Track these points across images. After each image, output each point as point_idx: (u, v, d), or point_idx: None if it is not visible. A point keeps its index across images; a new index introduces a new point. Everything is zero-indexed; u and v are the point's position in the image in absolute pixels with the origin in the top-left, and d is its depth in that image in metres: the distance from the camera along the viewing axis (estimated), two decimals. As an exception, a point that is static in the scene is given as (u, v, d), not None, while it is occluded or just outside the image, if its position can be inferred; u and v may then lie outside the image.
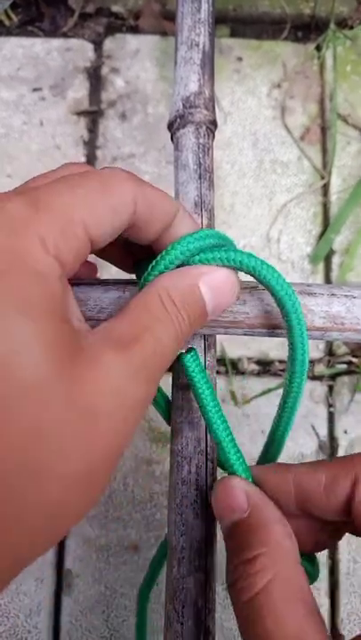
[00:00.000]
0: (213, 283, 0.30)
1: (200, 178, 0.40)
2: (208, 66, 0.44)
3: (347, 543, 0.71)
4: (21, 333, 0.22)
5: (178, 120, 0.43)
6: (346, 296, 0.35)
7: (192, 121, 0.42)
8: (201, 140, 0.42)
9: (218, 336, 0.37)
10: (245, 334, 0.35)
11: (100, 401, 0.23)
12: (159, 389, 0.38)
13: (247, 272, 0.31)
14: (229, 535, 0.30)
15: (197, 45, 0.44)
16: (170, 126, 0.44)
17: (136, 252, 0.34)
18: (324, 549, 0.34)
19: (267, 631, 0.25)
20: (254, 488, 0.31)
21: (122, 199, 0.27)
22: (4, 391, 0.21)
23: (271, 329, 0.34)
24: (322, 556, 0.71)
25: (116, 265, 0.36)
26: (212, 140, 0.43)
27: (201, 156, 0.41)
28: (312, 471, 0.31)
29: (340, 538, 0.34)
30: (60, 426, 0.22)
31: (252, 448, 0.73)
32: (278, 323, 0.34)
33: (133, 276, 0.36)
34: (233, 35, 0.86)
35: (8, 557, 0.22)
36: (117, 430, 0.24)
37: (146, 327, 0.26)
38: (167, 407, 0.39)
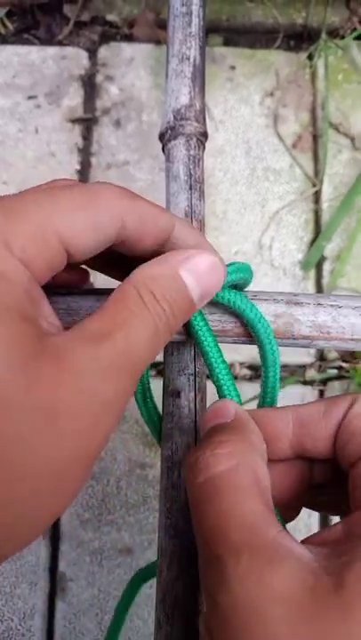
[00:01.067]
0: (196, 268, 0.28)
1: (191, 188, 0.41)
2: (199, 79, 0.45)
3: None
4: None
5: (169, 132, 0.43)
6: (332, 306, 0.35)
7: (183, 133, 0.43)
8: (192, 152, 0.42)
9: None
10: (235, 342, 0.36)
11: (62, 401, 0.22)
12: (154, 407, 0.39)
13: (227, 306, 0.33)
14: (205, 435, 0.29)
15: (188, 59, 0.45)
16: (161, 137, 0.44)
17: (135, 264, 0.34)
18: (299, 510, 0.33)
19: (221, 512, 0.24)
20: (244, 410, 0.30)
21: (107, 215, 0.27)
22: None
23: (259, 337, 0.35)
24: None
25: (111, 276, 0.36)
26: (203, 152, 0.44)
27: (191, 167, 0.42)
28: (314, 404, 0.31)
29: (320, 506, 0.34)
30: (21, 426, 0.21)
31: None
32: (265, 331, 0.35)
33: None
34: (226, 44, 0.87)
35: None
36: (85, 430, 0.23)
37: (120, 322, 0.25)
38: (160, 425, 0.40)
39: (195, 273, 0.28)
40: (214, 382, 0.34)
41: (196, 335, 0.34)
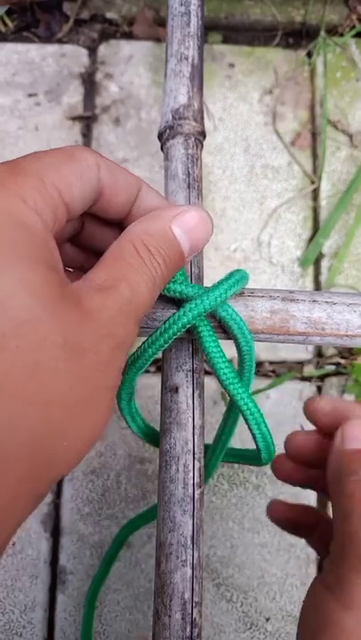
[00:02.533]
0: (186, 224, 0.31)
1: (189, 187, 0.42)
2: (197, 78, 0.46)
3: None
4: (10, 279, 0.23)
5: (167, 131, 0.44)
6: (327, 302, 0.36)
7: (181, 132, 0.43)
8: (190, 151, 0.43)
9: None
10: (230, 338, 0.37)
11: (87, 339, 0.25)
12: (144, 421, 0.40)
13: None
14: (352, 456, 0.36)
15: (187, 59, 0.46)
16: (160, 137, 0.45)
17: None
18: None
19: None
20: None
21: (86, 164, 0.29)
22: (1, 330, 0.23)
23: (255, 334, 0.36)
24: (311, 553, 0.72)
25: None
26: (201, 151, 0.44)
27: (190, 166, 0.43)
28: None
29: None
30: (54, 362, 0.24)
31: (241, 447, 0.74)
32: (262, 328, 0.36)
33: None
34: (225, 41, 0.88)
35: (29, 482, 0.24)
36: (104, 365, 0.26)
37: (122, 276, 0.28)
38: (153, 436, 0.41)
39: (185, 228, 0.31)
40: (220, 378, 0.35)
41: (198, 333, 0.35)
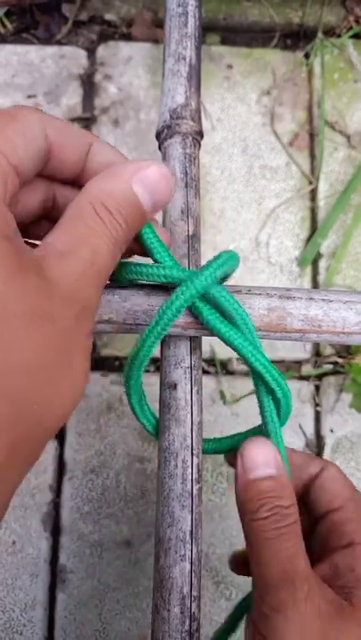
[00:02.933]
0: (147, 180, 0.30)
1: (186, 186, 0.42)
2: (195, 78, 0.46)
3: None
4: None
5: (165, 130, 0.44)
6: (323, 300, 0.36)
7: (179, 132, 0.44)
8: (187, 150, 0.43)
9: (208, 338, 0.38)
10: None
11: (50, 306, 0.25)
12: (148, 409, 0.40)
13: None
14: (261, 485, 0.35)
15: (184, 59, 0.46)
16: (158, 136, 0.45)
17: None
18: None
19: (294, 546, 0.34)
20: (280, 456, 0.37)
21: (30, 124, 0.29)
22: None
23: (253, 331, 0.36)
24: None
25: None
26: (198, 150, 0.45)
27: (187, 165, 0.43)
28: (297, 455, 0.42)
29: None
30: (14, 332, 0.24)
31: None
32: (259, 325, 0.36)
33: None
34: (223, 42, 0.88)
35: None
36: (70, 329, 0.27)
37: (82, 240, 0.28)
38: (156, 424, 0.41)
39: (146, 185, 0.30)
40: (230, 343, 0.35)
41: (196, 310, 0.35)
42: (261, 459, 0.36)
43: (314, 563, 0.36)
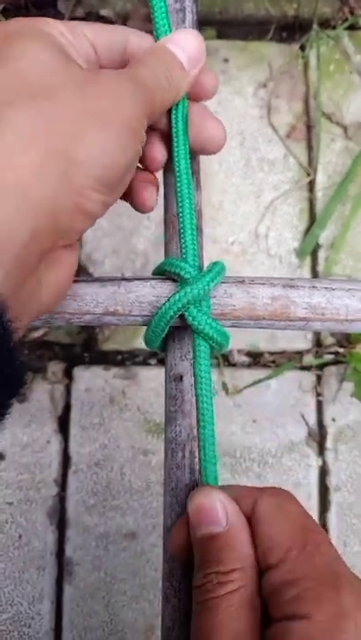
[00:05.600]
0: (178, 41, 0.35)
1: (188, 179, 0.43)
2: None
3: (337, 527, 0.74)
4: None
5: (166, 125, 0.45)
6: (326, 288, 0.37)
7: (180, 125, 0.44)
8: (188, 144, 0.44)
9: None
10: (233, 326, 0.38)
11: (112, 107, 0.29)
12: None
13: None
14: (204, 545, 0.31)
15: (183, 53, 0.46)
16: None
17: None
18: None
19: (218, 624, 0.27)
20: (232, 505, 0.31)
21: (93, 30, 0.33)
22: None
23: (257, 320, 0.37)
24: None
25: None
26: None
27: (189, 158, 0.43)
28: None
29: None
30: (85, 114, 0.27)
31: (243, 437, 0.75)
32: (263, 314, 0.36)
33: (127, 274, 0.38)
34: (219, 36, 0.88)
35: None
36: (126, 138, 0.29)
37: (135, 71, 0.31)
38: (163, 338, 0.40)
39: (177, 44, 0.35)
40: None
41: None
42: (204, 515, 0.31)
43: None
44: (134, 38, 0.35)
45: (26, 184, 0.25)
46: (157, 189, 0.39)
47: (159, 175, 0.41)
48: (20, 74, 0.27)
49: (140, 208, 0.38)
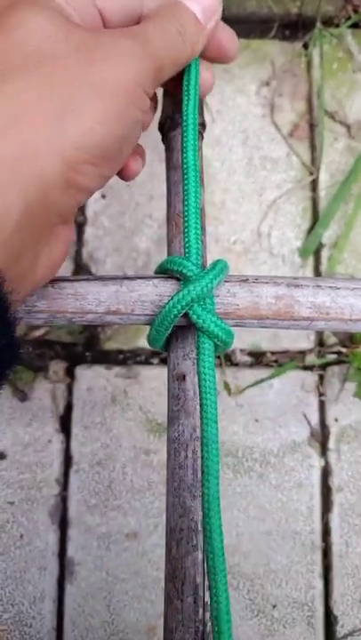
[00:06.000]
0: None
1: (191, 177, 0.42)
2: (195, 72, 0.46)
3: (340, 527, 0.73)
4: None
5: (168, 122, 0.44)
6: (330, 287, 0.37)
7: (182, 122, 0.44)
8: (191, 142, 0.43)
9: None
10: (237, 325, 0.37)
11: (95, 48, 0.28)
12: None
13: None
14: None
15: (187, 50, 0.46)
16: (161, 128, 0.46)
17: None
18: None
19: None
20: None
21: None
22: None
23: (261, 319, 0.36)
24: (316, 540, 0.73)
25: None
26: (202, 141, 0.45)
27: (192, 156, 0.43)
28: None
29: None
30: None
31: (245, 437, 0.75)
32: (267, 313, 0.36)
33: (129, 273, 0.38)
34: (222, 34, 0.88)
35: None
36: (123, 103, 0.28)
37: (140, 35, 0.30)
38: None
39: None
40: None
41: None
42: None
43: None
44: (150, 3, 0.34)
45: (16, 159, 0.24)
46: (144, 158, 0.38)
47: (161, 173, 0.41)
48: (16, 44, 0.27)
49: (125, 178, 0.37)
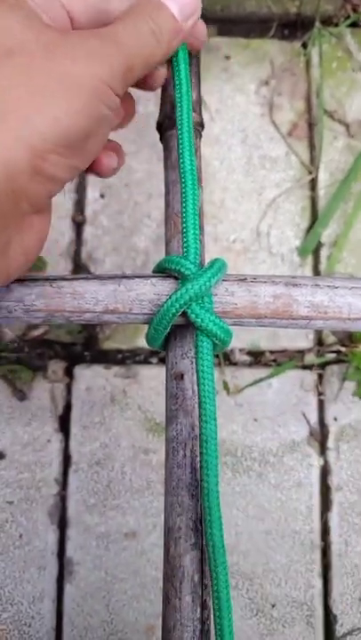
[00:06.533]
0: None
1: (189, 177, 0.42)
2: (195, 69, 0.46)
3: (339, 526, 0.73)
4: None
5: (166, 121, 0.44)
6: (329, 286, 0.37)
7: (181, 122, 0.44)
8: (190, 141, 0.43)
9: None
10: (235, 324, 0.37)
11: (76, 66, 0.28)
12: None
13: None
14: None
15: (185, 49, 0.46)
16: (159, 127, 0.45)
17: None
18: None
19: None
20: None
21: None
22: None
23: (259, 318, 0.36)
24: (315, 539, 0.73)
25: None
26: (200, 141, 0.45)
27: (190, 155, 0.43)
28: None
29: None
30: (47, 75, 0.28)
31: (244, 436, 0.75)
32: (265, 312, 0.36)
33: (128, 272, 0.38)
34: (221, 34, 0.88)
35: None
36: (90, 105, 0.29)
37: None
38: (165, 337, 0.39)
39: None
40: None
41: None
42: None
43: None
44: (118, 3, 0.34)
45: None
46: (120, 156, 0.37)
47: (160, 172, 0.40)
48: None
49: (100, 173, 0.37)
